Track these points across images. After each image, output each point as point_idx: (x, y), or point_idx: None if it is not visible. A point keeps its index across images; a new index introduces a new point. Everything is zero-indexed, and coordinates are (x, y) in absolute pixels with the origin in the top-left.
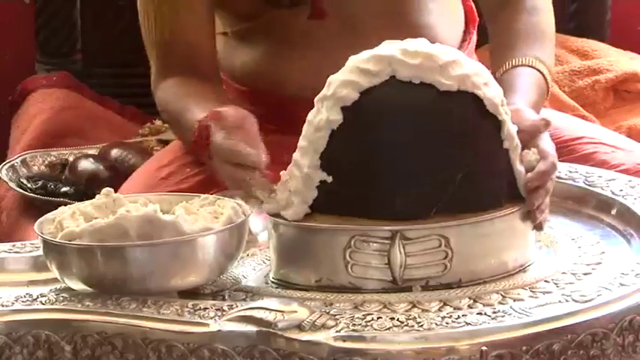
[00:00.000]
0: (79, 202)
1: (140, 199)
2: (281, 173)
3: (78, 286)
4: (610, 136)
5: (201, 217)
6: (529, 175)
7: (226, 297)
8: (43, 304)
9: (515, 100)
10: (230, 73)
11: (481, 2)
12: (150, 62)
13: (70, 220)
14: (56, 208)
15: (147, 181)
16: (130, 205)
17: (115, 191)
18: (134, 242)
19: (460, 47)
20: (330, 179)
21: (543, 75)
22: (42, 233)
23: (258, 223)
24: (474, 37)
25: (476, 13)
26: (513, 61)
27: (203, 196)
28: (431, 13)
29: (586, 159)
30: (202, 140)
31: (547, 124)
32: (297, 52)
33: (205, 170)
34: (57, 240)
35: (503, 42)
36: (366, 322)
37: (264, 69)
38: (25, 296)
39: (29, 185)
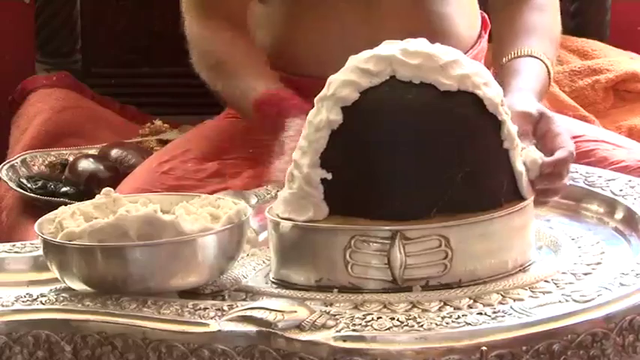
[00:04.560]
0: (79, 202)
1: (140, 199)
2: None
3: (78, 286)
4: (610, 135)
5: (201, 217)
6: (546, 160)
7: (226, 297)
8: (43, 304)
9: (519, 84)
10: None
11: None
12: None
13: (70, 220)
14: (56, 208)
15: (148, 176)
16: (129, 205)
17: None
18: (134, 242)
19: (473, 45)
20: (329, 177)
21: (547, 67)
22: (42, 233)
23: (258, 223)
24: (485, 41)
25: (488, 20)
26: (519, 50)
27: (203, 196)
28: (451, 4)
29: (586, 156)
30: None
31: (547, 117)
32: (315, 25)
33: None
34: (57, 240)
35: (508, 34)
36: (366, 322)
37: (282, 46)
38: (25, 296)
39: (29, 185)
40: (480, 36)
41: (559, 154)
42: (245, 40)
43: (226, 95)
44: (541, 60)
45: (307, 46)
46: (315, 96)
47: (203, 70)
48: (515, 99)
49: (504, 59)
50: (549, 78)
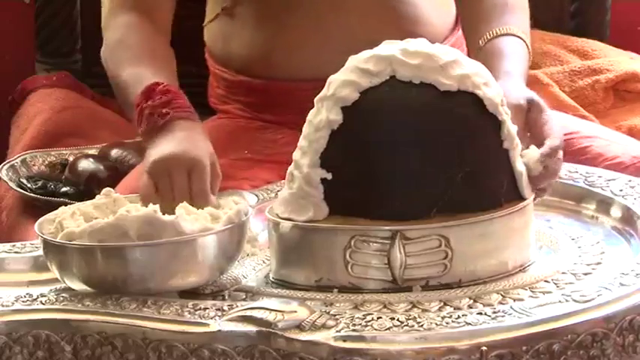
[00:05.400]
0: (79, 202)
1: None
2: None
3: (78, 286)
4: (606, 131)
5: (202, 217)
6: (543, 150)
7: (226, 297)
8: (43, 304)
9: (506, 67)
10: (225, 62)
11: None
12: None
13: (70, 220)
14: (56, 208)
15: None
16: (129, 205)
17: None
18: (134, 242)
19: (450, 33)
20: (329, 177)
21: (524, 42)
22: (42, 233)
23: (258, 223)
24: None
25: None
26: (496, 30)
27: None
28: None
29: (581, 152)
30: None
31: (537, 105)
32: (286, 30)
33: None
34: (57, 240)
35: (479, 15)
36: (366, 322)
37: (257, 50)
38: (25, 296)
39: (29, 185)
40: (456, 23)
41: (551, 143)
42: (163, 40)
43: (120, 83)
44: (520, 38)
45: (282, 54)
46: (294, 99)
47: (108, 57)
48: (504, 87)
49: (481, 40)
50: (528, 48)
